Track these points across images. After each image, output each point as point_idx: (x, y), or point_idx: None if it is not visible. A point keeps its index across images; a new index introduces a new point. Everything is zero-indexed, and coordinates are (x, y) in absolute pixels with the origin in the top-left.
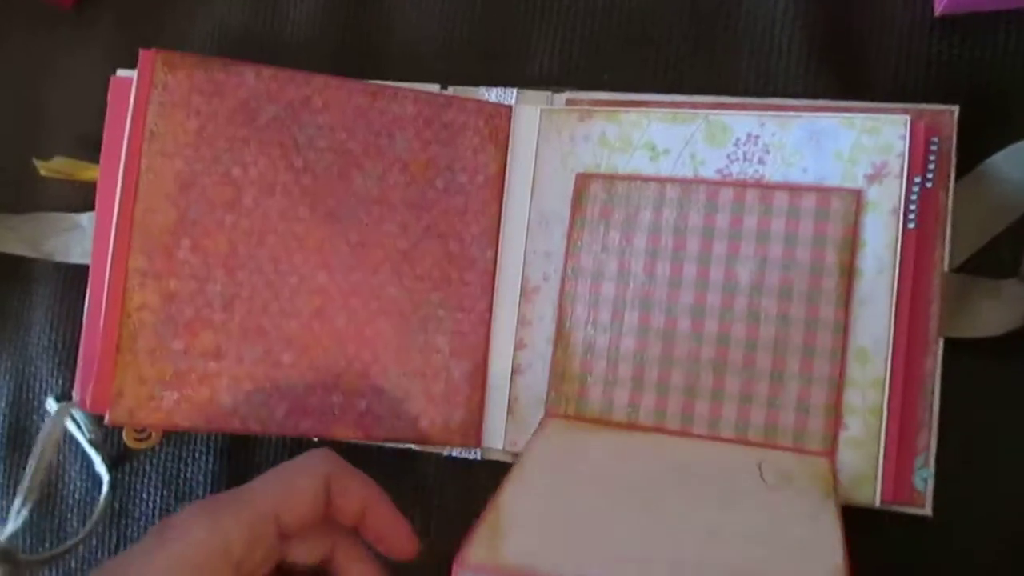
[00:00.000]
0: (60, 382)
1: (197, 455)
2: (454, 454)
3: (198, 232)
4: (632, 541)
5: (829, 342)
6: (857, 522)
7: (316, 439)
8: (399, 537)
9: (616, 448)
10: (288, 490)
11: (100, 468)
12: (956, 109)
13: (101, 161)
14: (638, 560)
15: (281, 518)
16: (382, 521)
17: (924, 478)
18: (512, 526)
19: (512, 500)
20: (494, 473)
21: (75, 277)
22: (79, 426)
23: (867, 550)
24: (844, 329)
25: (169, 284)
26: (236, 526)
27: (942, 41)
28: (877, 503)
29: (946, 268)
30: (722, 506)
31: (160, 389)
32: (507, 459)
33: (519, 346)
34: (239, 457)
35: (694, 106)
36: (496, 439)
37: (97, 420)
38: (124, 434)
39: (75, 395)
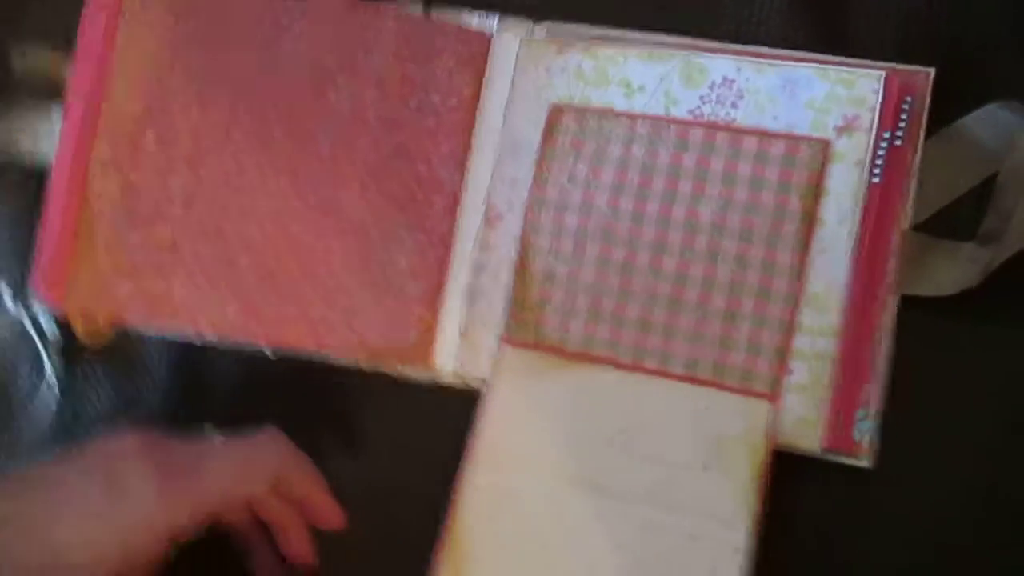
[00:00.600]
0: (19, 279)
1: (150, 360)
2: (404, 374)
3: (164, 125)
4: (572, 558)
5: (784, 286)
6: (798, 470)
7: (268, 349)
8: (328, 517)
9: (567, 406)
10: (239, 483)
11: (52, 372)
12: (932, 71)
13: (77, 54)
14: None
15: (226, 503)
16: (316, 506)
17: (865, 430)
18: (473, 547)
19: (471, 512)
20: (441, 397)
21: (42, 176)
22: (36, 327)
23: (807, 498)
24: (800, 275)
25: (130, 175)
26: (186, 509)
27: (925, 2)
28: (817, 449)
29: (907, 226)
30: (650, 504)
31: (115, 280)
32: (456, 383)
33: (477, 271)
34: (190, 370)
35: (673, 46)
36: (447, 361)
37: (55, 320)
38: (75, 329)
39: (31, 288)
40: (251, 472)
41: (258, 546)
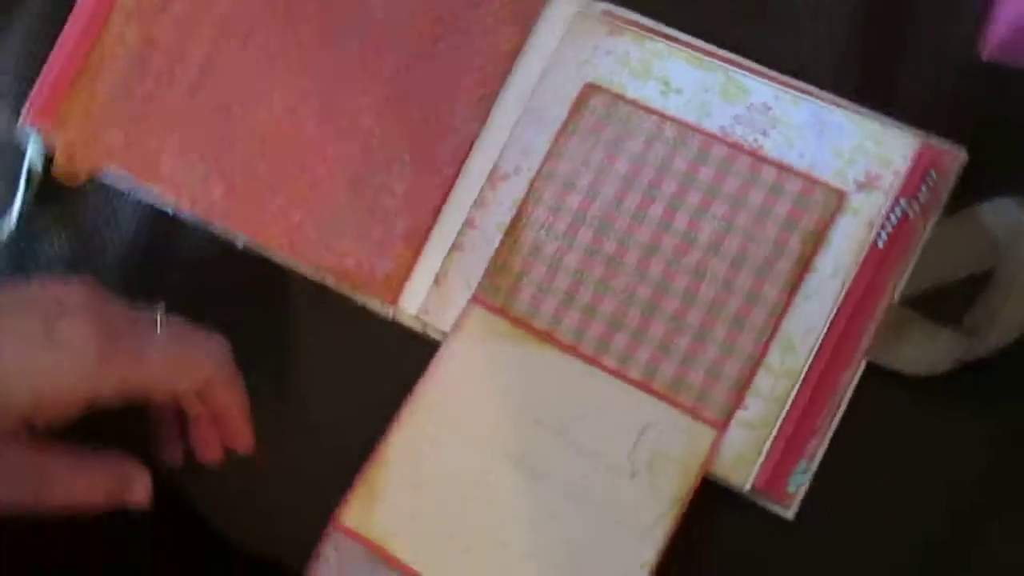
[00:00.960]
0: (22, 99)
1: (120, 220)
2: (367, 305)
3: None
4: (481, 526)
5: (761, 320)
6: (717, 499)
7: (241, 240)
8: (239, 440)
9: (517, 379)
10: (170, 376)
11: (20, 199)
12: (964, 154)
13: None
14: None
15: (152, 389)
16: (231, 424)
17: (799, 483)
18: (388, 489)
19: (396, 456)
20: (396, 337)
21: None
22: (23, 149)
23: (718, 530)
24: (780, 314)
25: (152, 29)
26: (113, 382)
27: (978, 83)
28: (747, 488)
29: (896, 297)
30: (568, 495)
31: (107, 127)
32: (416, 327)
33: (469, 224)
34: (157, 239)
35: (722, 58)
36: (413, 304)
37: (44, 150)
38: (54, 161)
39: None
40: (185, 370)
41: (168, 428)
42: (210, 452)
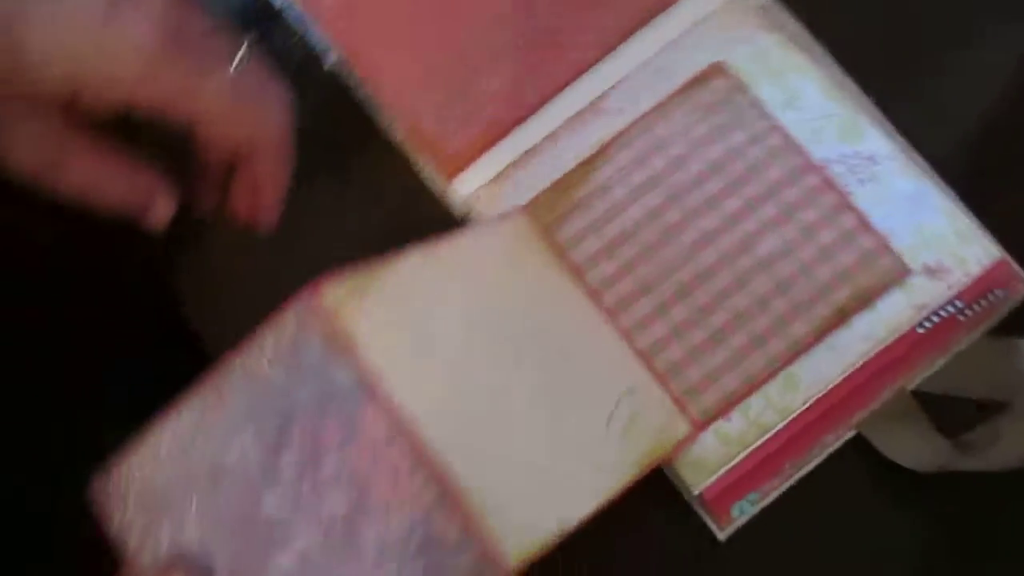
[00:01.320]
0: None
1: None
2: (423, 172)
3: None
4: (454, 375)
5: (778, 350)
6: (664, 495)
7: (331, 61)
8: (265, 215)
9: (532, 293)
10: (225, 119)
11: None
12: None
13: None
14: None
15: (203, 118)
16: (264, 199)
17: (744, 511)
18: (383, 292)
19: (406, 273)
20: (437, 213)
21: None
22: None
23: (651, 524)
24: (799, 351)
25: None
26: (165, 90)
27: None
28: (695, 492)
29: (911, 387)
30: (544, 395)
31: None
32: (460, 213)
33: (551, 138)
34: (255, 26)
35: (854, 96)
36: (467, 188)
37: None
38: None
39: None
40: (242, 114)
41: (213, 174)
42: (238, 213)
